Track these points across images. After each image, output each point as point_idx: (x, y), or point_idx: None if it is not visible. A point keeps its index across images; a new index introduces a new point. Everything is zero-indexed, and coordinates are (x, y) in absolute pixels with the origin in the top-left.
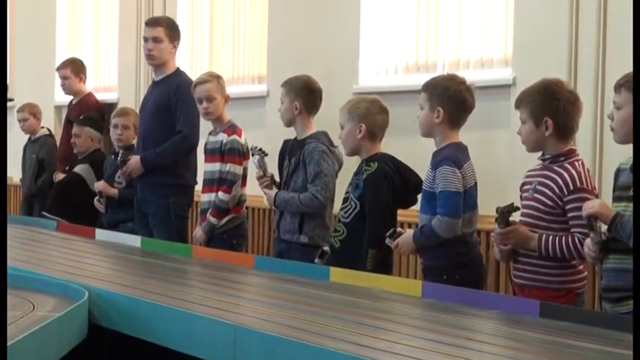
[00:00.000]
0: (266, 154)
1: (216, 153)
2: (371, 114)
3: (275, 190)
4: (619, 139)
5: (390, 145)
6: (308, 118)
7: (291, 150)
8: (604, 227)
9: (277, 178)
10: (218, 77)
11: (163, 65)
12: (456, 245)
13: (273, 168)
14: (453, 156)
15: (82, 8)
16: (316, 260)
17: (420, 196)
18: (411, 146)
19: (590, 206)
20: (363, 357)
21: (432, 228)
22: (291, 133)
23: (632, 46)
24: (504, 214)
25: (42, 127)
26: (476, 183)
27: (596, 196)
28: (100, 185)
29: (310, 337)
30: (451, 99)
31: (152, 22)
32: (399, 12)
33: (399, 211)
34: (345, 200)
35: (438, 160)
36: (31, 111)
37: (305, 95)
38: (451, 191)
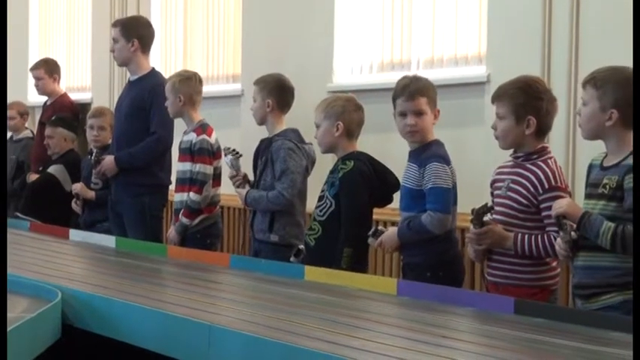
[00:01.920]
0: (240, 155)
1: (187, 153)
2: (347, 112)
3: (247, 188)
4: (585, 135)
5: (365, 143)
6: (279, 116)
7: (263, 149)
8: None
9: (252, 177)
10: (176, 76)
11: (132, 65)
12: (442, 242)
13: (247, 166)
14: (442, 153)
15: (54, 8)
16: (291, 259)
17: (396, 195)
18: (385, 144)
19: (558, 206)
20: (338, 355)
21: (423, 223)
22: (266, 132)
23: (633, 46)
24: (479, 214)
25: (26, 128)
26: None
27: (570, 194)
28: (77, 187)
29: (285, 336)
30: (436, 98)
31: (112, 23)
32: (373, 10)
33: (375, 210)
34: (321, 198)
35: (426, 158)
36: (19, 110)
37: (277, 93)
38: (443, 187)
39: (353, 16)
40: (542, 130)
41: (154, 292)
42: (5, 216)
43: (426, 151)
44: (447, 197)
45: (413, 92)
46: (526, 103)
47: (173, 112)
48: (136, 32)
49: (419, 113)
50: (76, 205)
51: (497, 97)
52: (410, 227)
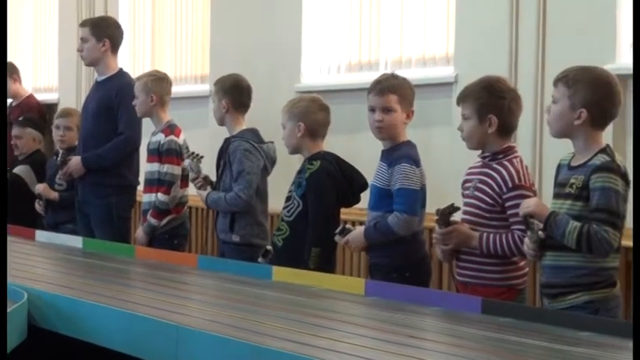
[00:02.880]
0: (200, 157)
1: (155, 153)
2: (309, 112)
3: (208, 190)
4: (553, 133)
5: (333, 143)
6: (237, 116)
7: (224, 150)
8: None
9: (214, 178)
10: (147, 76)
11: (100, 65)
12: (408, 243)
13: (211, 167)
14: (413, 154)
15: (20, 8)
16: (259, 260)
17: (363, 195)
18: (353, 144)
19: (526, 206)
20: (305, 355)
21: (389, 225)
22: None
23: (633, 46)
24: (445, 214)
25: None
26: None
27: (535, 193)
28: (40, 188)
29: (252, 336)
30: (412, 98)
31: (81, 23)
32: (341, 11)
33: (343, 209)
34: (288, 199)
35: (396, 158)
36: None
37: (232, 94)
38: (411, 189)
39: (321, 16)
40: (506, 129)
41: (122, 293)
42: (5, 217)
43: (397, 152)
44: (414, 199)
45: (383, 89)
46: (487, 102)
47: (142, 112)
48: (106, 32)
49: (387, 110)
50: (38, 206)
51: (461, 99)
52: (376, 228)
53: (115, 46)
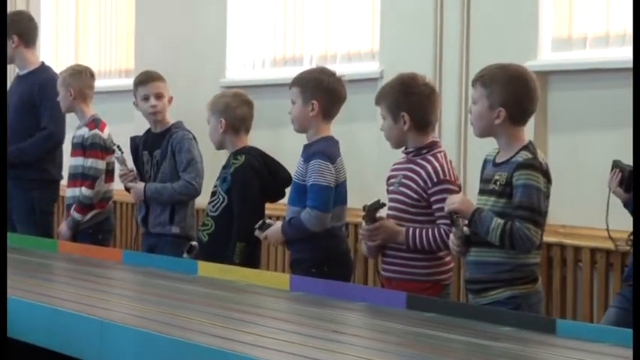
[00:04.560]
0: (122, 151)
1: (79, 147)
2: (230, 108)
3: (142, 183)
4: (476, 132)
5: (258, 138)
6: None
7: (151, 143)
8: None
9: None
10: (66, 71)
11: (18, 61)
12: (325, 239)
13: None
14: (327, 150)
15: None
16: (184, 255)
17: (288, 190)
18: (278, 139)
19: (450, 202)
20: (230, 351)
21: (301, 221)
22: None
23: (633, 46)
24: (371, 211)
25: None
26: (345, 178)
27: (460, 187)
28: None
29: (177, 331)
30: (325, 91)
31: None
32: (266, 5)
33: (268, 204)
34: (213, 194)
35: (310, 154)
36: None
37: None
38: (323, 185)
39: (246, 11)
40: (422, 125)
41: (44, 288)
42: (5, 218)
43: (313, 147)
44: (326, 195)
45: (291, 82)
46: (398, 100)
47: (65, 107)
48: (14, 28)
49: (292, 102)
50: None
51: (377, 99)
52: (291, 224)
53: (27, 41)
